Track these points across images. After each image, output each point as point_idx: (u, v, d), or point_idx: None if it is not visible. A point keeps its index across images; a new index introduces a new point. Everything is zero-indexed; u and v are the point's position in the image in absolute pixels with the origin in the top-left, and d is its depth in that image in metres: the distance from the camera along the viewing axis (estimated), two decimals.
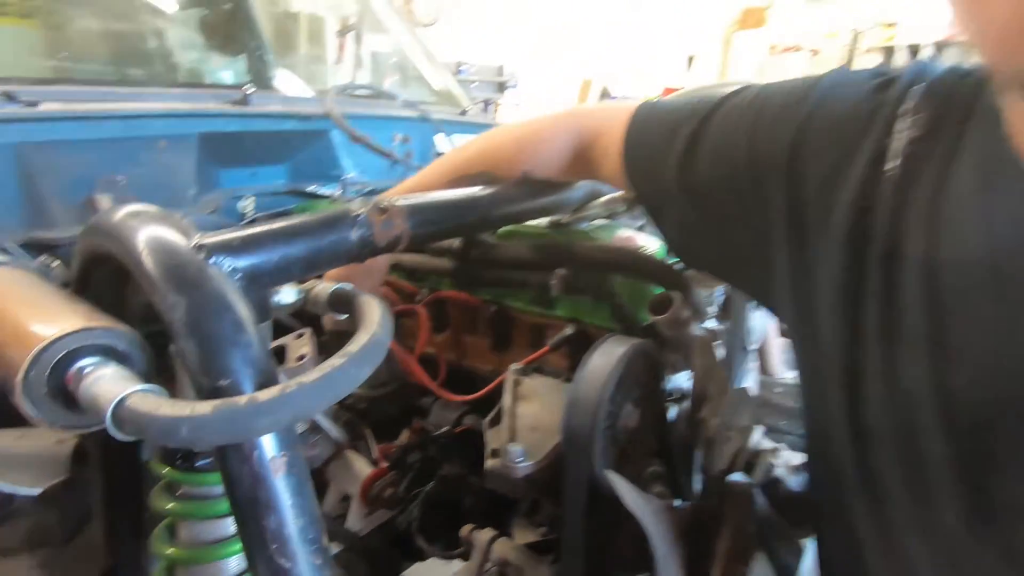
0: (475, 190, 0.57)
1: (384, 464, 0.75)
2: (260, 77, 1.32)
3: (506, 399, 0.59)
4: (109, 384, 0.30)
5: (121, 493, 0.50)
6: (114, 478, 0.50)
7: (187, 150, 0.90)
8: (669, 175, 0.54)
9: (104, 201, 0.76)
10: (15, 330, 0.33)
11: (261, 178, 1.05)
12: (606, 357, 0.47)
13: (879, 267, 0.40)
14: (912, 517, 0.39)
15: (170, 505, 0.43)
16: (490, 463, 0.51)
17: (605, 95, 6.61)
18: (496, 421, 0.60)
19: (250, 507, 0.33)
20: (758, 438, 0.65)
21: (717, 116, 0.51)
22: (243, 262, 0.38)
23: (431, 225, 0.51)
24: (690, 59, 6.93)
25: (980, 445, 0.35)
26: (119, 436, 0.29)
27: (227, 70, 1.43)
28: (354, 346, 0.34)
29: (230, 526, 0.43)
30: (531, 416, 0.56)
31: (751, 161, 0.48)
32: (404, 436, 0.74)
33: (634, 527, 0.44)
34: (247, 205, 0.98)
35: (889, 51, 5.47)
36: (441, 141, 1.35)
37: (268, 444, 0.33)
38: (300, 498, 0.34)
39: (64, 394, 0.32)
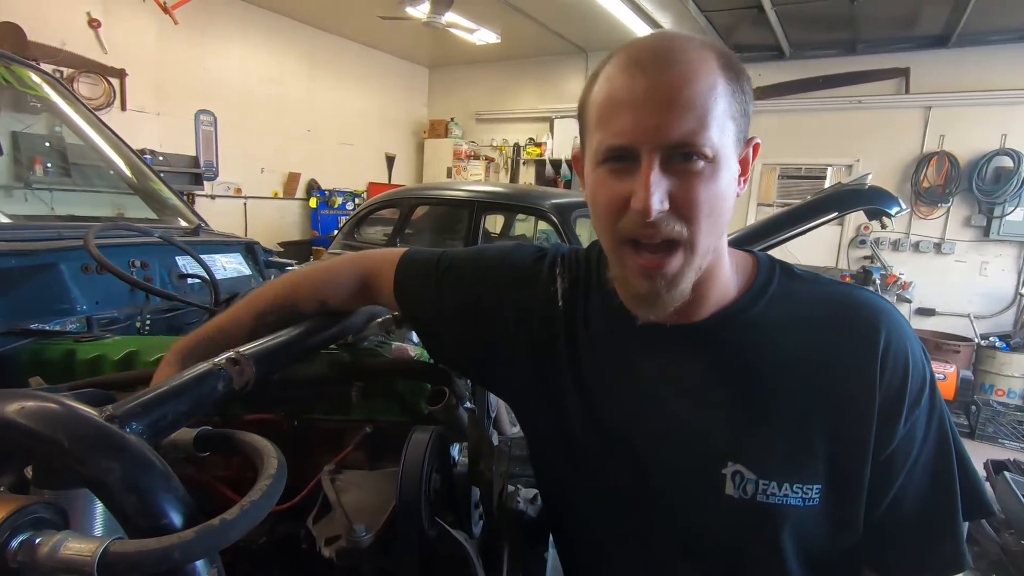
0: (292, 334, 0.72)
1: None
2: None
3: (330, 495, 0.72)
4: (76, 544, 0.37)
5: None
6: None
7: None
8: (426, 304, 0.80)
9: None
10: None
11: None
12: (418, 444, 0.67)
13: (567, 355, 0.71)
14: (610, 491, 0.69)
15: None
16: (334, 547, 0.65)
17: (313, 187, 6.76)
18: (320, 516, 0.73)
19: None
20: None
21: (455, 262, 0.80)
22: (145, 422, 0.47)
23: (267, 366, 0.64)
24: (389, 159, 7.68)
25: (623, 443, 0.67)
26: None
27: None
28: (266, 480, 0.47)
29: None
30: (356, 502, 0.71)
31: (476, 299, 0.77)
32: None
33: (450, 554, 0.64)
34: None
35: (541, 163, 7.12)
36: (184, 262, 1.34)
37: (201, 565, 0.44)
38: None
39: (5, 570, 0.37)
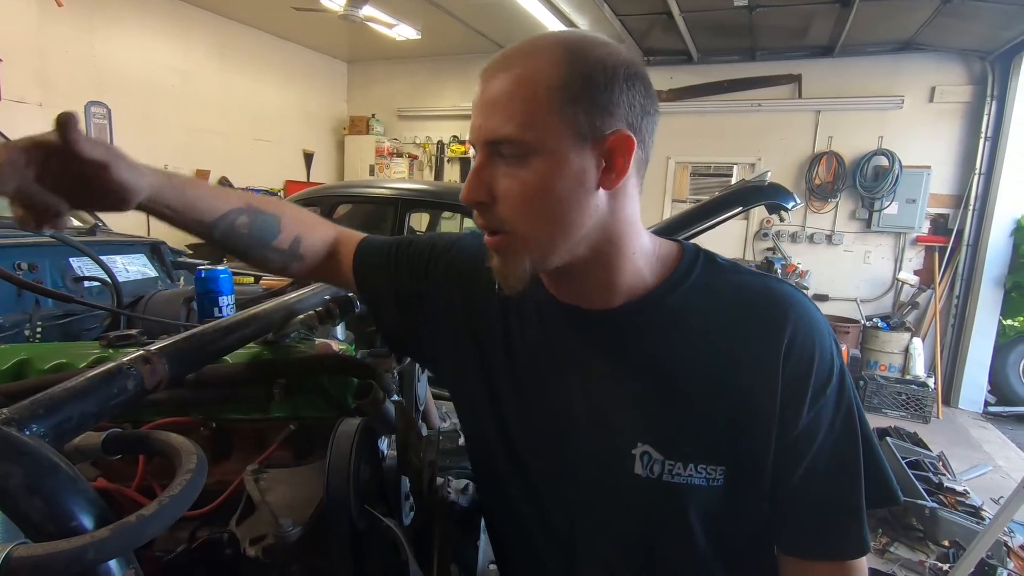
0: (207, 331, 0.69)
1: None
2: None
3: (253, 494, 0.71)
4: None
5: None
6: None
7: None
8: (382, 288, 0.83)
9: None
10: None
11: None
12: (345, 434, 0.67)
13: (502, 343, 0.74)
14: (533, 474, 0.72)
15: None
16: (260, 545, 0.63)
17: (224, 184, 6.39)
18: (244, 517, 0.71)
19: None
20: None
21: (409, 249, 0.83)
22: (47, 424, 0.44)
23: (181, 365, 0.62)
24: (308, 156, 7.38)
25: (546, 426, 0.70)
26: None
27: None
28: (185, 475, 0.46)
29: None
30: (282, 499, 0.70)
31: (427, 288, 0.80)
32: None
33: (381, 543, 0.65)
34: None
35: (466, 161, 7.12)
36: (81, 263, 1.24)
37: (115, 566, 0.42)
38: None
39: None
